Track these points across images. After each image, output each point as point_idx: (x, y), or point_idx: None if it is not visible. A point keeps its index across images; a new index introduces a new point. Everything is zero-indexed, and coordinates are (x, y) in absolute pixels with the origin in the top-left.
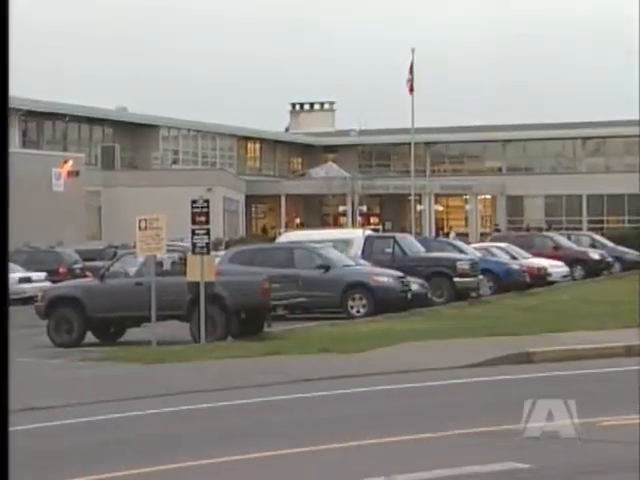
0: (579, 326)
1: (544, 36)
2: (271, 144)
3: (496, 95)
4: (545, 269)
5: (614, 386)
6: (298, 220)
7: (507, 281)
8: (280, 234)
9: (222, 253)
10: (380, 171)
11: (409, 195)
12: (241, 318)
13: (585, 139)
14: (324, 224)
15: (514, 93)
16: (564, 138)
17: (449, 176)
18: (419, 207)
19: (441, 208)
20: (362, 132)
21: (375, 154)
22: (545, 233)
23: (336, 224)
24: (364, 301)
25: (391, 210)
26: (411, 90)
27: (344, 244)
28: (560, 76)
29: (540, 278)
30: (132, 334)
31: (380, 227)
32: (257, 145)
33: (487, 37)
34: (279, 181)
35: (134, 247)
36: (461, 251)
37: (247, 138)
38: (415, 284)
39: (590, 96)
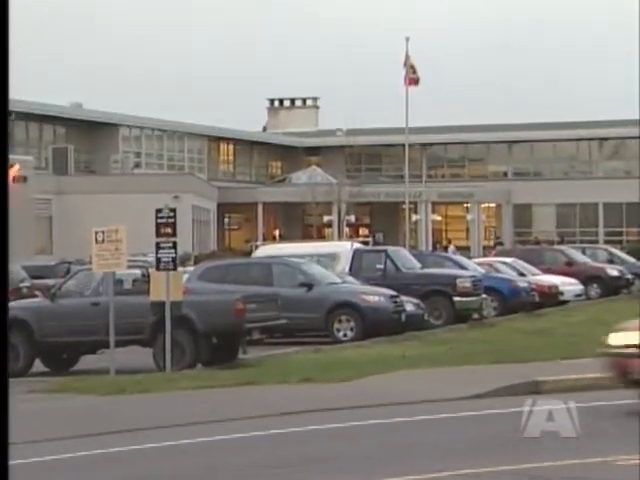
0: (595, 352)
1: (556, 23)
2: (246, 145)
3: (501, 90)
4: (556, 287)
5: (627, 421)
6: (277, 232)
7: (514, 301)
8: (257, 247)
9: (191, 269)
10: (370, 176)
11: (403, 203)
12: (212, 343)
13: (602, 140)
14: (307, 236)
15: (522, 88)
16: (578, 139)
17: (448, 182)
18: (414, 217)
19: (439, 218)
20: (350, 132)
21: (364, 157)
22: (557, 247)
23: (320, 236)
24: (352, 323)
25: (382, 220)
26: (416, 82)
27: (329, 259)
28: (574, 69)
29: (551, 297)
30: (87, 362)
31: (370, 239)
32: (230, 147)
33: (490, 25)
34: (256, 187)
35: (90, 263)
36: (462, 267)
37: (219, 139)
38: (410, 304)
39: (607, 92)
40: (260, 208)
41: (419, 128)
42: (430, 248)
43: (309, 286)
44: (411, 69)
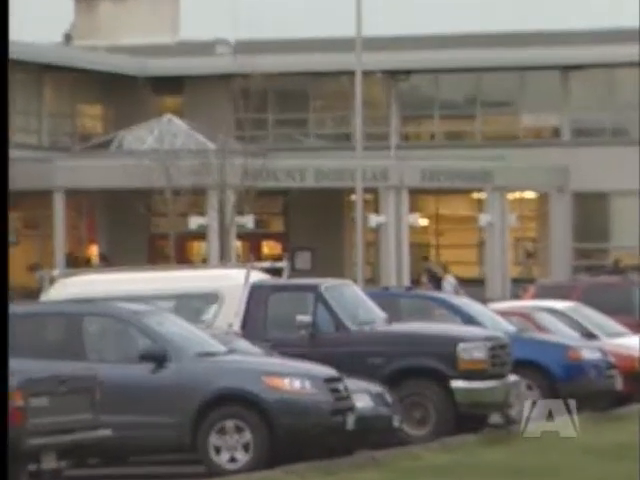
0: None
1: None
2: (32, 73)
3: None
4: None
5: None
6: (95, 248)
7: (571, 387)
8: (53, 281)
9: None
10: (285, 136)
11: (352, 192)
12: None
13: None
14: (155, 258)
15: None
16: None
17: (442, 148)
18: (374, 219)
19: (425, 222)
20: (242, 46)
21: (273, 97)
22: None
23: (183, 258)
24: (247, 436)
25: (310, 226)
26: None
27: (202, 304)
28: None
29: None
30: None
31: (285, 264)
32: None
33: None
34: (49, 160)
35: None
36: (469, 319)
37: None
38: (364, 396)
39: None
40: (59, 200)
41: (383, 39)
42: (407, 282)
43: (159, 360)
44: None
